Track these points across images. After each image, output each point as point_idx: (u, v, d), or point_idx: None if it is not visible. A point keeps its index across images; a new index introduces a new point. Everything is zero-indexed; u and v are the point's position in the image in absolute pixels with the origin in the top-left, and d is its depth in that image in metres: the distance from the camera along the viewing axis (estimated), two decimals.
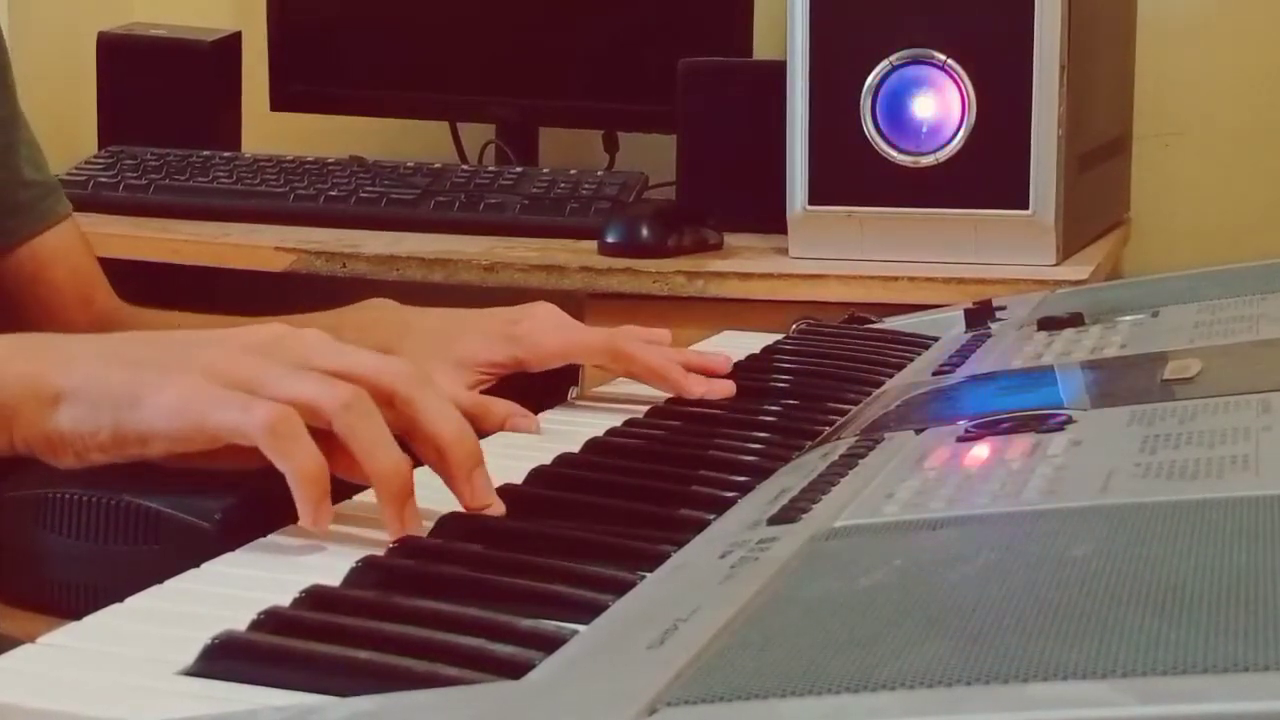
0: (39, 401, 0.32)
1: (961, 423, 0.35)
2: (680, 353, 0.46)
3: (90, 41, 0.96)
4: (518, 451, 0.38)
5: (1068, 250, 0.76)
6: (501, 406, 0.42)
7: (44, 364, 0.33)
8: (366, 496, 0.34)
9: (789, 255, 0.77)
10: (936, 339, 0.52)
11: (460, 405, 0.41)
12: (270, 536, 0.32)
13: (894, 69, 0.74)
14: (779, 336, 0.53)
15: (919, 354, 0.49)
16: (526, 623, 0.26)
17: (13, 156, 0.52)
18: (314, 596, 0.28)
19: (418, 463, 0.32)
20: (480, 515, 0.33)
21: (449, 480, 0.32)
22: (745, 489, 0.35)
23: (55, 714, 0.24)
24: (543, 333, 0.45)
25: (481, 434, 0.42)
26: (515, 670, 0.24)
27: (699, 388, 0.43)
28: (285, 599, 0.27)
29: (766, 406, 0.43)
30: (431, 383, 0.33)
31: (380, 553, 0.30)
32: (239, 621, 0.26)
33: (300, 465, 0.30)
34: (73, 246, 0.54)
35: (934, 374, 0.44)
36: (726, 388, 0.43)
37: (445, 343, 0.44)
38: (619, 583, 0.29)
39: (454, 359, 0.44)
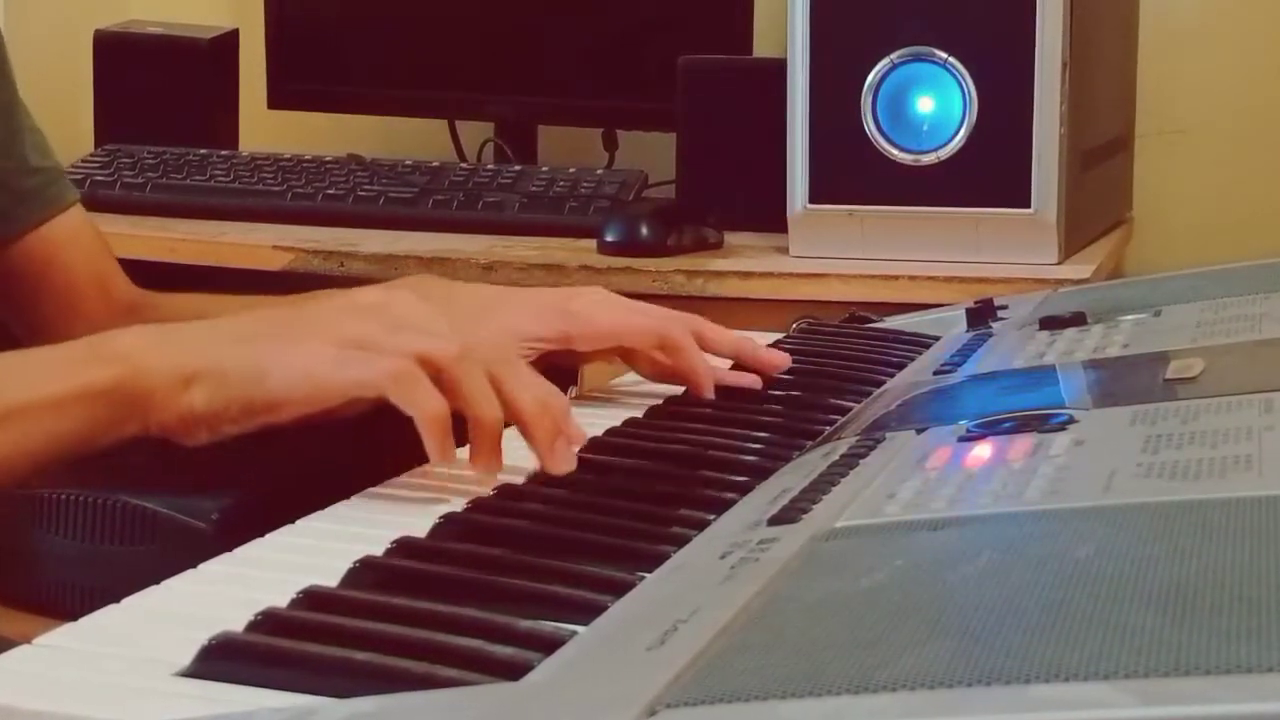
0: (172, 385, 0.34)
1: (963, 422, 0.35)
2: (741, 341, 0.45)
3: (87, 39, 0.96)
4: (517, 450, 0.38)
5: (1070, 249, 0.76)
6: (730, 337, 0.43)
7: (175, 349, 0.35)
8: (364, 497, 0.34)
9: (789, 254, 0.77)
10: (938, 338, 0.52)
11: (699, 332, 0.43)
12: (267, 537, 0.32)
13: (895, 67, 0.74)
14: (779, 336, 0.53)
15: (920, 353, 0.49)
16: (525, 624, 0.26)
17: (17, 144, 0.52)
18: (311, 597, 0.27)
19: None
20: (479, 516, 0.33)
21: (533, 448, 0.35)
22: (745, 489, 0.35)
23: (51, 715, 0.23)
24: (595, 310, 0.44)
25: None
26: (514, 672, 0.24)
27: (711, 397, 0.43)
28: (282, 600, 0.27)
29: (767, 406, 0.43)
30: (516, 358, 0.36)
31: (378, 553, 0.30)
32: (236, 622, 0.26)
33: (425, 409, 0.33)
34: (84, 232, 0.53)
35: (935, 373, 0.44)
36: (750, 381, 0.44)
37: (485, 316, 0.44)
38: (618, 583, 0.29)
39: (494, 329, 0.43)
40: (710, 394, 0.43)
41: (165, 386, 0.34)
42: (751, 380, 0.44)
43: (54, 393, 0.34)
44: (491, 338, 0.41)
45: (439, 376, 0.34)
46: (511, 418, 0.35)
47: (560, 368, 0.44)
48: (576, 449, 0.35)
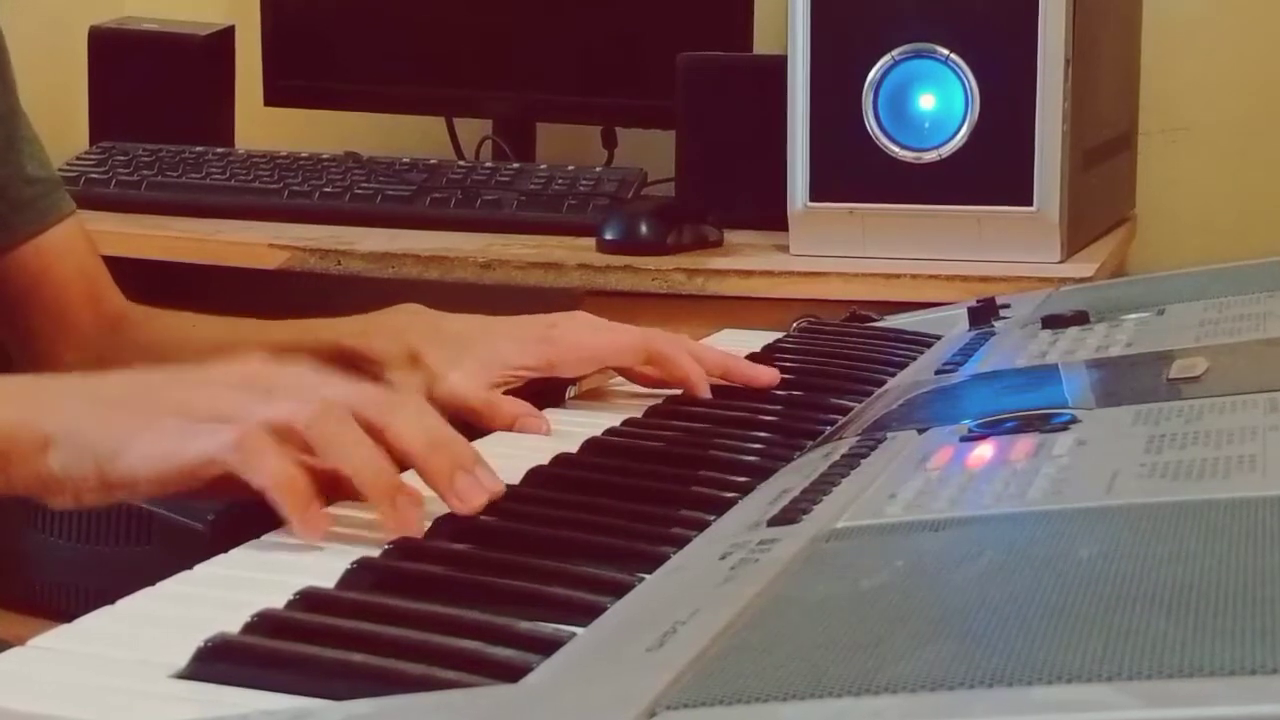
0: (29, 446, 0.33)
1: (965, 422, 0.35)
2: (729, 358, 0.45)
3: (82, 36, 0.95)
4: (515, 451, 0.37)
5: (1072, 247, 0.75)
6: (511, 405, 0.42)
7: (32, 408, 0.33)
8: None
9: (790, 252, 0.77)
10: (939, 337, 0.52)
11: (469, 402, 0.41)
12: (264, 538, 0.32)
13: (896, 63, 0.74)
14: (779, 335, 0.53)
15: (921, 353, 0.49)
16: (524, 625, 0.26)
17: (15, 153, 0.52)
18: (308, 598, 0.27)
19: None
20: (478, 517, 0.33)
21: (434, 490, 0.33)
22: (745, 489, 0.34)
23: (46, 717, 0.23)
24: (577, 336, 0.44)
25: (488, 431, 0.41)
26: (512, 673, 0.24)
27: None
28: (279, 601, 0.27)
29: (767, 406, 0.43)
30: (403, 405, 0.33)
31: (376, 554, 0.30)
32: (232, 624, 0.26)
33: (273, 477, 0.31)
34: (78, 244, 0.53)
35: (937, 373, 0.44)
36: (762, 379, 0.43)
37: (472, 345, 0.44)
38: (617, 584, 0.28)
39: (480, 359, 0.43)
40: (707, 393, 0.43)
41: (22, 447, 0.32)
42: (772, 377, 0.44)
43: None
44: (458, 366, 0.40)
45: (300, 442, 0.31)
46: (401, 462, 0.32)
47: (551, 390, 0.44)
48: (491, 491, 0.32)
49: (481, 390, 0.43)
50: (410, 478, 0.32)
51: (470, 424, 0.41)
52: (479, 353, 0.43)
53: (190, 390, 0.33)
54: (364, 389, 0.34)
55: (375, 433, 0.32)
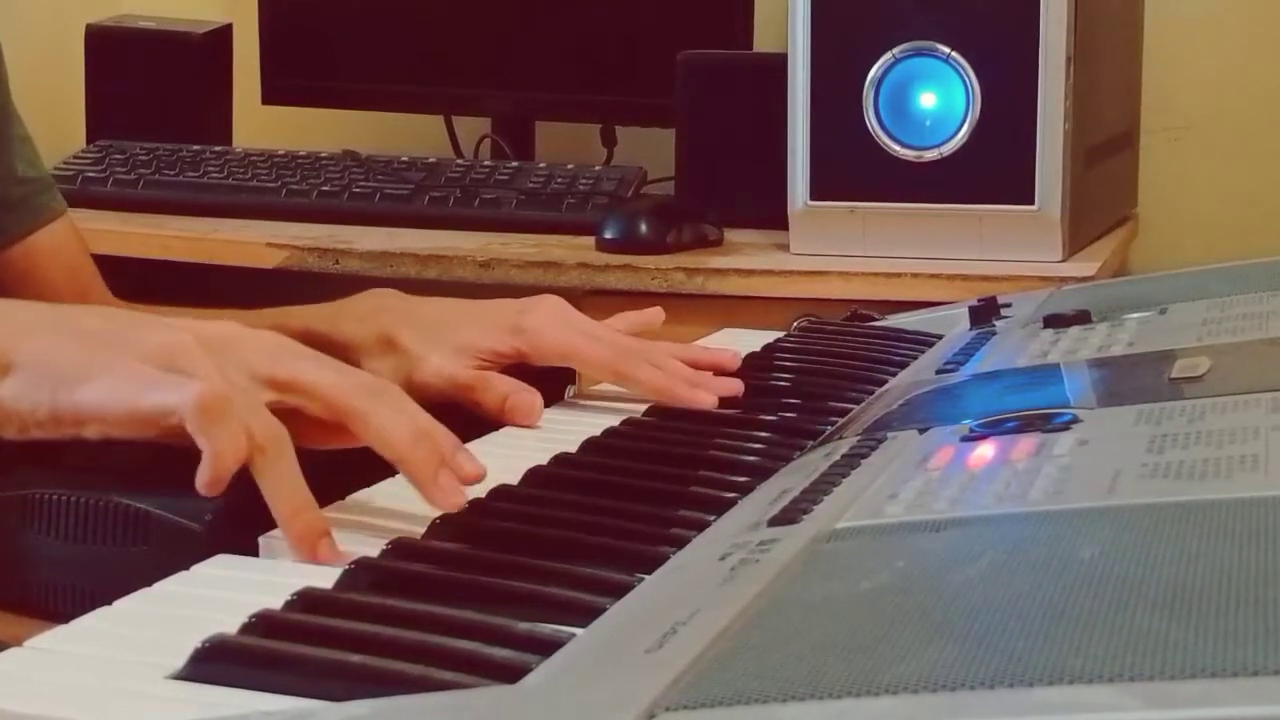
0: None
1: (966, 422, 0.35)
2: (689, 349, 0.45)
3: (78, 34, 0.95)
4: (514, 451, 0.37)
5: (1074, 246, 0.75)
6: (502, 382, 0.42)
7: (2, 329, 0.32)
8: (360, 497, 0.34)
9: (790, 251, 0.77)
10: (940, 337, 0.51)
11: (458, 380, 0.41)
12: (261, 538, 0.32)
13: (897, 61, 0.73)
14: (780, 334, 0.53)
15: (922, 352, 0.49)
16: (523, 626, 0.26)
17: (5, 153, 0.52)
18: (306, 599, 0.27)
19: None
20: (476, 517, 0.33)
21: (417, 488, 0.32)
22: (745, 489, 0.34)
23: (43, 718, 0.23)
24: (548, 327, 0.44)
25: (480, 408, 0.41)
26: (511, 674, 0.24)
27: (706, 400, 0.42)
28: (277, 602, 0.27)
29: (767, 406, 0.43)
30: (384, 392, 0.33)
31: (374, 554, 0.30)
32: (229, 625, 0.26)
33: (217, 444, 0.30)
34: (68, 244, 0.53)
35: (938, 372, 0.44)
36: (733, 387, 0.43)
37: (447, 329, 0.43)
38: (617, 585, 0.28)
39: (454, 344, 0.43)
40: (694, 394, 0.42)
41: None
42: (730, 385, 0.43)
43: None
44: (435, 351, 0.40)
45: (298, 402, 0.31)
46: (384, 454, 0.32)
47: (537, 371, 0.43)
48: (474, 480, 0.32)
49: (463, 369, 0.42)
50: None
51: (454, 404, 0.41)
52: (452, 337, 0.43)
53: (164, 336, 0.32)
54: (345, 374, 0.33)
55: (353, 422, 0.32)
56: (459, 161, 0.91)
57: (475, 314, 0.44)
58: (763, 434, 0.40)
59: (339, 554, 0.30)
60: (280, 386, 0.32)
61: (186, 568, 0.29)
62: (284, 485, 0.30)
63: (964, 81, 0.73)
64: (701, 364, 0.44)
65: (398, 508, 0.34)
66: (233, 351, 0.32)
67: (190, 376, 0.31)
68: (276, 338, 0.33)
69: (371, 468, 0.34)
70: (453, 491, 0.32)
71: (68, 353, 0.32)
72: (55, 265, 0.52)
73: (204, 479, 0.30)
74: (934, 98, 0.74)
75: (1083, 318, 0.46)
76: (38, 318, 0.33)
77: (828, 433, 0.39)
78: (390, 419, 0.32)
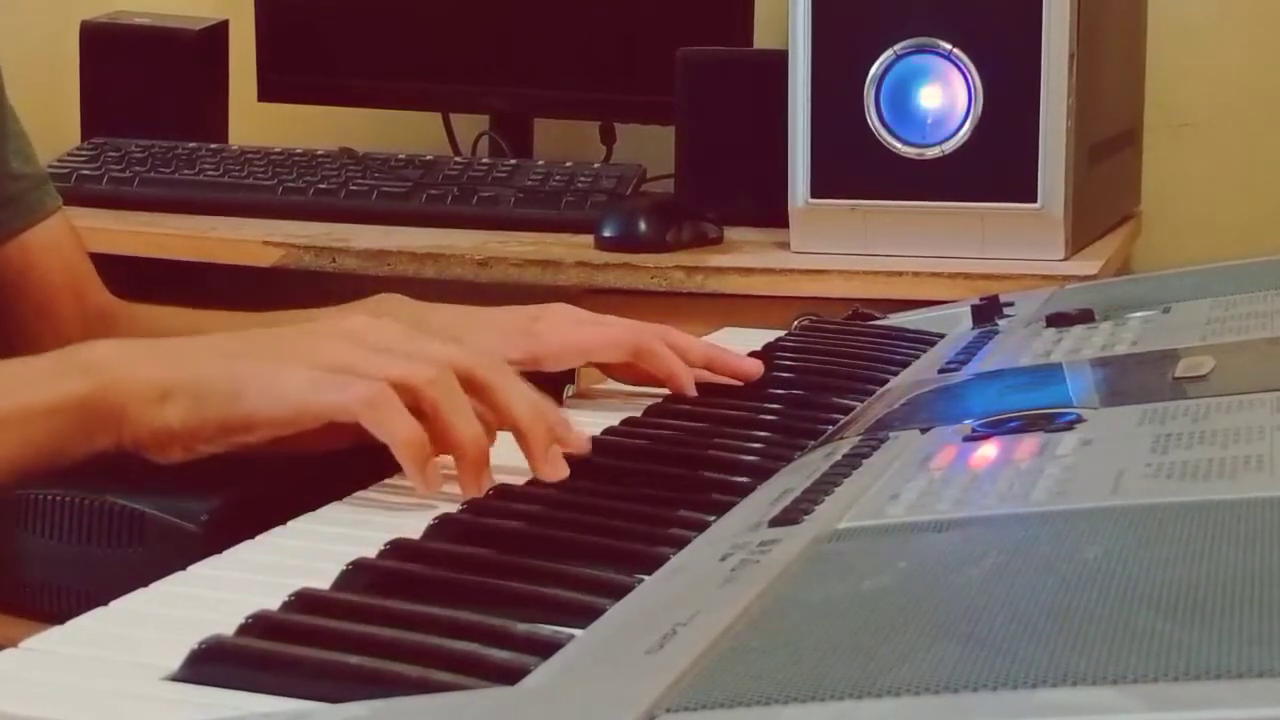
0: (147, 400, 0.34)
1: (968, 422, 0.35)
2: (714, 349, 0.45)
3: (73, 30, 0.95)
4: (513, 451, 0.37)
5: (1077, 245, 0.75)
6: (701, 346, 0.43)
7: (152, 364, 0.35)
8: (356, 498, 0.34)
9: (790, 250, 0.76)
10: (942, 336, 0.51)
11: (672, 342, 0.43)
12: (258, 538, 0.32)
13: (898, 58, 0.73)
14: (780, 333, 0.53)
15: (924, 351, 0.49)
16: (522, 627, 0.26)
17: (0, 148, 0.52)
18: (303, 600, 0.27)
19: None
20: (475, 517, 0.33)
21: (527, 456, 0.35)
22: (746, 490, 0.34)
23: None
24: (562, 329, 0.44)
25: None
26: (510, 676, 0.24)
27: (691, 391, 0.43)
28: (274, 602, 0.27)
29: (768, 405, 0.43)
30: (506, 367, 0.36)
31: (371, 555, 0.30)
32: (226, 625, 0.26)
33: (400, 434, 0.33)
34: (64, 241, 0.53)
35: (940, 372, 0.43)
36: (754, 369, 0.44)
37: (460, 337, 0.43)
38: (616, 586, 0.28)
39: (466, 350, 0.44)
40: (692, 390, 0.43)
41: (139, 400, 0.34)
42: (754, 368, 0.44)
43: (26, 403, 0.34)
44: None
45: (418, 401, 0.33)
46: (505, 425, 0.35)
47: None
48: (579, 452, 0.35)
49: None
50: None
51: None
52: (466, 345, 0.43)
53: (310, 340, 0.35)
54: (467, 348, 0.36)
55: (484, 392, 0.34)
56: (457, 159, 0.90)
57: (488, 322, 0.45)
58: (763, 434, 0.40)
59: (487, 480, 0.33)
60: (414, 357, 0.34)
61: (183, 568, 0.29)
62: (458, 417, 0.33)
63: (966, 79, 0.73)
64: (722, 370, 0.44)
65: (395, 508, 0.34)
66: (370, 338, 0.35)
67: (352, 374, 0.33)
68: (398, 324, 0.36)
69: (368, 470, 0.35)
70: (558, 466, 0.35)
71: (226, 370, 0.34)
72: (53, 261, 0.52)
73: (414, 476, 0.33)
74: (936, 95, 0.74)
75: (1086, 317, 0.46)
76: (185, 346, 0.36)
77: (829, 433, 0.39)
78: (515, 391, 0.35)
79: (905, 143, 0.74)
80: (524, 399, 0.35)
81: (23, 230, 0.52)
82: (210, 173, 0.88)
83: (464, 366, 0.34)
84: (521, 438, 0.35)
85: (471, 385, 0.34)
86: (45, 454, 0.34)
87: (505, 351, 0.44)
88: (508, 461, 0.35)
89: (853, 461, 0.34)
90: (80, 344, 0.36)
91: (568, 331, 0.44)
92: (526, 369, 0.44)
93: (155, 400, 0.34)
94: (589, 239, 0.79)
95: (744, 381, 0.44)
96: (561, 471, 0.35)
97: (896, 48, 0.73)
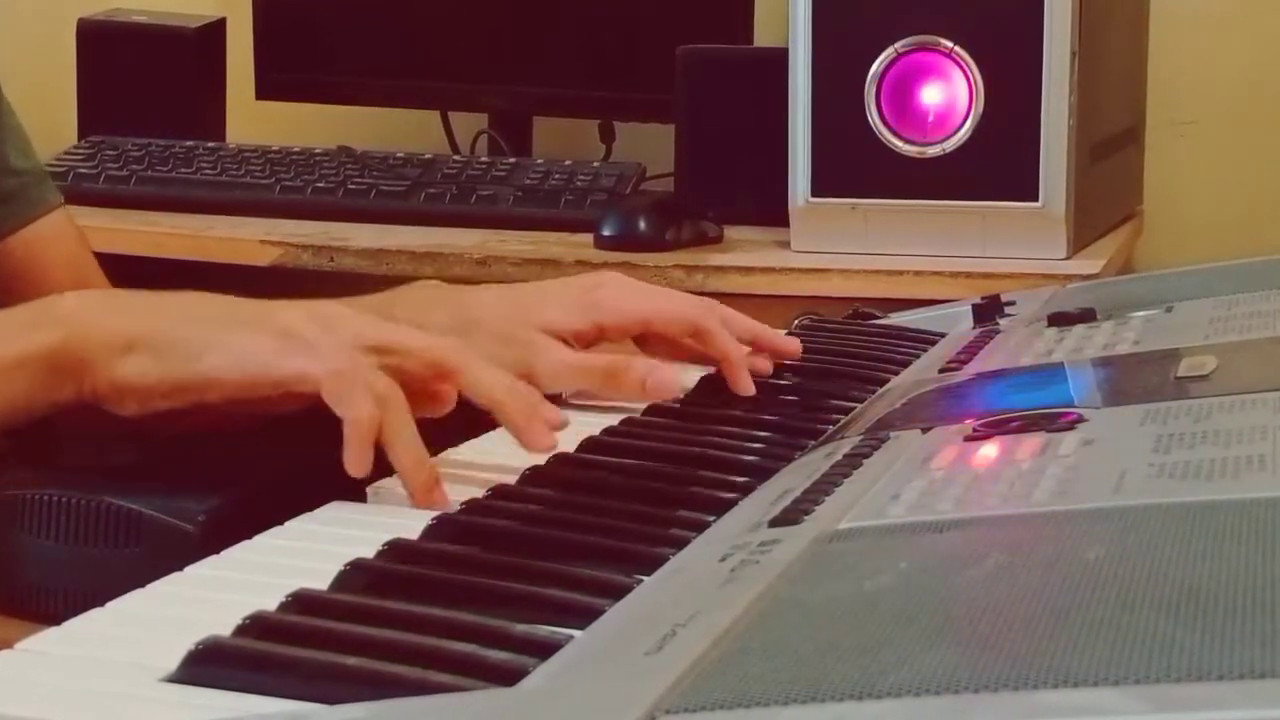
0: (110, 350, 0.34)
1: (969, 421, 0.34)
2: (761, 327, 0.45)
3: (70, 28, 0.95)
4: (513, 450, 0.37)
5: (1079, 243, 0.75)
6: (641, 365, 0.42)
7: (121, 317, 0.35)
8: (354, 498, 0.34)
9: (791, 249, 0.76)
10: (943, 335, 0.51)
11: (593, 367, 0.41)
12: (255, 539, 0.31)
13: (899, 56, 0.73)
14: (781, 333, 0.53)
15: (925, 350, 0.49)
16: (520, 628, 0.26)
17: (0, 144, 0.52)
18: (301, 600, 0.27)
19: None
20: (473, 518, 0.32)
21: (511, 430, 0.35)
22: (746, 490, 0.34)
23: None
24: (623, 298, 0.44)
25: (619, 395, 0.41)
26: (509, 677, 0.24)
27: (751, 390, 0.42)
28: (271, 603, 0.27)
29: (768, 405, 0.43)
30: (474, 353, 0.35)
31: (370, 555, 0.30)
32: (223, 626, 0.26)
33: (355, 411, 0.33)
34: (65, 236, 0.53)
35: (940, 371, 0.43)
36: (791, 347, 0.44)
37: (520, 314, 0.43)
38: (615, 586, 0.28)
39: (537, 326, 0.42)
40: (746, 379, 0.42)
41: (103, 350, 0.34)
42: (765, 365, 0.44)
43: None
44: (531, 336, 0.40)
45: (396, 372, 0.33)
46: (482, 404, 0.35)
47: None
48: (559, 427, 0.35)
49: (589, 355, 0.43)
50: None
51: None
52: (534, 322, 0.42)
53: (282, 314, 0.34)
54: (438, 337, 0.36)
55: (456, 375, 0.34)
56: (455, 158, 0.90)
57: (545, 296, 0.44)
58: (763, 433, 0.40)
59: (447, 500, 0.33)
60: (383, 351, 0.34)
61: (180, 569, 0.29)
62: (406, 438, 0.33)
63: (967, 77, 0.73)
64: (764, 345, 0.44)
65: (393, 508, 0.34)
66: (340, 325, 0.34)
67: (314, 347, 0.33)
68: (372, 317, 0.36)
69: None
70: (545, 434, 0.35)
71: (191, 329, 0.34)
72: (54, 257, 0.52)
73: (351, 453, 0.33)
74: (937, 93, 0.73)
75: (1087, 316, 0.46)
76: (155, 302, 0.36)
77: (829, 432, 0.39)
78: (484, 371, 0.35)
79: (906, 141, 0.74)
80: (497, 377, 0.35)
81: (24, 225, 0.51)
82: (208, 171, 0.87)
83: (434, 355, 0.34)
84: (502, 413, 0.34)
85: (443, 371, 0.34)
86: (13, 408, 0.34)
87: (571, 323, 0.43)
88: (508, 461, 0.35)
89: (853, 461, 0.34)
90: (50, 296, 0.35)
91: (628, 300, 0.43)
92: (590, 340, 0.43)
93: (117, 352, 0.33)
94: (588, 238, 0.79)
95: (786, 359, 0.44)
96: (549, 440, 0.34)
97: (897, 46, 0.73)
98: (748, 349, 0.44)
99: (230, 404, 0.34)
